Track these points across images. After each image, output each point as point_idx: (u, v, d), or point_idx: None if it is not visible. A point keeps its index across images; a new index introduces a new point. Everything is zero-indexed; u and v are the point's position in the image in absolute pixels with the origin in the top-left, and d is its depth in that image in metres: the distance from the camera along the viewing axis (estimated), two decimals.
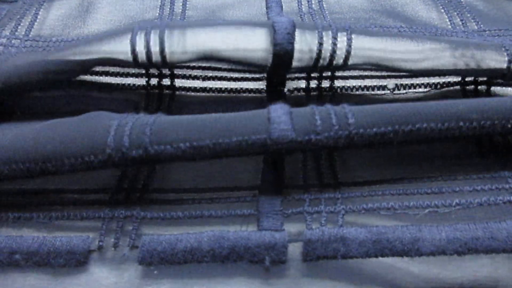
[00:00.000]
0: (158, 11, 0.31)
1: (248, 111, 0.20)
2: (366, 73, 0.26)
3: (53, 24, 0.30)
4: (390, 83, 0.27)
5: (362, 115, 0.19)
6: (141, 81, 0.27)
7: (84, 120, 0.20)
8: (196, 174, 0.23)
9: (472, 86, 0.27)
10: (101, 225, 0.20)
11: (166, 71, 0.26)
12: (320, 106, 0.20)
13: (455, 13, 0.30)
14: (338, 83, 0.26)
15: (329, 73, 0.26)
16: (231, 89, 0.26)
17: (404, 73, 0.26)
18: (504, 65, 0.23)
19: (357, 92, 0.26)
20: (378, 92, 0.26)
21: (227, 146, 0.19)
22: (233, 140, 0.18)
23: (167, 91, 0.27)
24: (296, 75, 0.26)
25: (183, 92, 0.26)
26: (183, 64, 0.25)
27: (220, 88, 0.26)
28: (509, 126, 0.19)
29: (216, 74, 0.26)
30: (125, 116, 0.20)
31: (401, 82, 0.27)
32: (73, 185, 0.22)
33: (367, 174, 0.22)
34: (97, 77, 0.26)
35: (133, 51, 0.23)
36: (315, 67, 0.24)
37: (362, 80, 0.26)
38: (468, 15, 0.30)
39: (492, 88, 0.27)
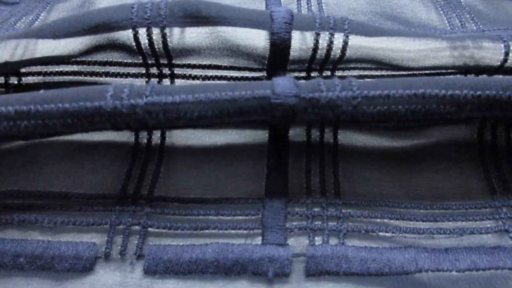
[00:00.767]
0: None
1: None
2: (366, 73, 0.26)
3: None
4: None
5: (366, 86, 0.19)
6: (140, 82, 0.26)
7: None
8: (200, 182, 0.23)
9: None
10: (108, 232, 0.20)
11: (166, 71, 0.25)
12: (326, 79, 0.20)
13: (454, 14, 0.30)
14: None
15: (329, 73, 0.26)
16: None
17: (403, 73, 0.26)
18: (501, 57, 0.23)
19: None
20: None
21: (230, 102, 0.18)
22: (236, 94, 0.18)
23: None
24: (296, 74, 0.26)
25: None
26: (185, 48, 0.24)
27: None
28: None
29: (216, 74, 0.26)
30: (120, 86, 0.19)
31: None
32: (77, 189, 0.22)
33: (368, 190, 0.23)
34: (95, 78, 0.26)
35: (135, 35, 0.22)
36: (312, 60, 0.24)
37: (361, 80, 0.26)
38: (467, 16, 0.30)
39: None
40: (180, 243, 0.20)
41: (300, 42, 0.23)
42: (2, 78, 0.25)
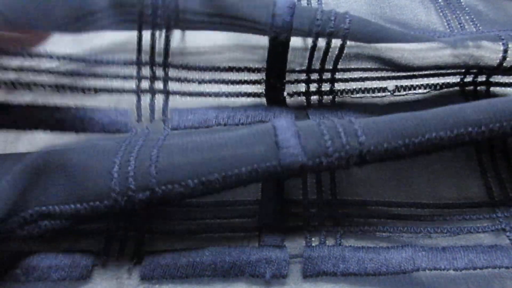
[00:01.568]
0: None
1: (251, 127, 0.19)
2: (366, 74, 0.26)
3: None
4: (390, 85, 0.26)
5: (372, 132, 0.18)
6: (131, 84, 0.24)
7: (85, 160, 0.19)
8: None
9: (472, 87, 0.27)
10: (104, 238, 0.20)
11: (160, 73, 0.25)
12: (327, 122, 0.19)
13: (454, 16, 0.30)
14: (338, 86, 0.26)
15: (329, 75, 0.25)
16: (229, 93, 0.25)
17: (403, 74, 0.26)
18: (500, 55, 0.23)
19: (358, 95, 0.26)
20: (379, 94, 0.26)
21: (237, 178, 0.18)
22: (243, 171, 0.18)
23: (160, 94, 0.25)
24: (295, 76, 0.25)
25: (177, 97, 0.25)
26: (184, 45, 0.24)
27: (218, 92, 0.25)
28: None
29: (213, 77, 0.25)
30: (123, 148, 0.19)
31: (401, 84, 0.26)
32: None
33: (365, 191, 0.23)
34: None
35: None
36: (312, 55, 0.23)
37: (362, 82, 0.26)
38: (467, 17, 0.30)
39: (492, 89, 0.27)
40: (177, 247, 0.20)
41: (301, 23, 0.22)
42: None
